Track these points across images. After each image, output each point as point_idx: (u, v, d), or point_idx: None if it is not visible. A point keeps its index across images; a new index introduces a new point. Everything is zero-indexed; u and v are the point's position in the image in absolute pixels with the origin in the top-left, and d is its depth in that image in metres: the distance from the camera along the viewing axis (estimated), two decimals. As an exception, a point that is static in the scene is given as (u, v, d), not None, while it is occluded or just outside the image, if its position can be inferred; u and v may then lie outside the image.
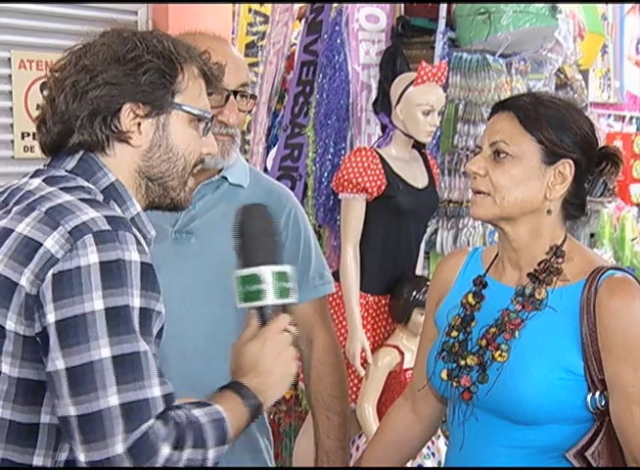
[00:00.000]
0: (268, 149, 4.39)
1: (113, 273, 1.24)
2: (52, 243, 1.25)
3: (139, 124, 1.38)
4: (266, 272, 1.43)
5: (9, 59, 3.78)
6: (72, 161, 1.38)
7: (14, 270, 1.26)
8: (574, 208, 1.67)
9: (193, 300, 1.92)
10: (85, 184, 1.35)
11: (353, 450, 3.30)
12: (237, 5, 4.67)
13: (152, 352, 1.27)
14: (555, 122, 1.60)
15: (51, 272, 1.23)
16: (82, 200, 1.30)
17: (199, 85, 1.44)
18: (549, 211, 1.63)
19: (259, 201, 1.98)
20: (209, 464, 1.31)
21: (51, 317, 1.22)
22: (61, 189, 1.32)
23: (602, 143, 1.69)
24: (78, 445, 1.22)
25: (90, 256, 1.24)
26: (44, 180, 1.36)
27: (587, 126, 1.64)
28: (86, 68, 1.36)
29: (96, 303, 1.22)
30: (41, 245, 1.25)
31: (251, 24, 4.76)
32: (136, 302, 1.26)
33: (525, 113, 1.61)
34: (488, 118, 1.69)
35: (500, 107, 1.66)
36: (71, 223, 1.26)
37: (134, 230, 1.31)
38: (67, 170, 1.37)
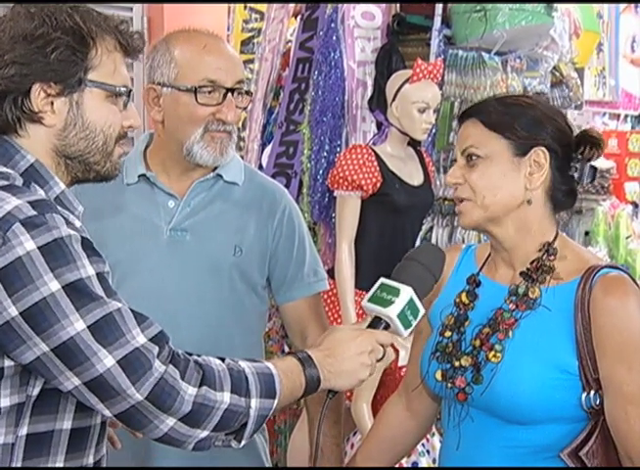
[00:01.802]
0: (263, 146, 4.38)
1: (55, 253, 1.24)
2: None
3: (52, 103, 1.35)
4: (407, 293, 1.52)
5: None
6: None
7: None
8: (562, 195, 1.66)
9: (187, 297, 1.92)
10: (3, 170, 1.32)
11: (348, 448, 3.30)
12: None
13: (123, 304, 1.29)
14: (519, 117, 1.62)
15: None
16: (1, 188, 1.28)
17: (114, 59, 1.39)
18: (529, 201, 1.63)
19: (255, 198, 2.00)
20: (253, 414, 1.35)
21: (12, 311, 1.22)
22: None
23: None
24: (98, 404, 1.27)
25: (25, 244, 1.23)
26: None
27: (557, 116, 1.65)
28: None
29: (51, 284, 1.23)
30: None
31: (246, 21, 4.75)
32: (89, 271, 1.27)
33: (487, 115, 1.63)
34: (456, 130, 1.71)
35: (465, 116, 1.68)
36: None
37: (61, 210, 1.29)
38: None
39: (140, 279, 1.92)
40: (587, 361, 1.55)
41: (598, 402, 1.56)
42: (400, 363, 3.26)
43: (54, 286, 1.23)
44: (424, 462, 3.24)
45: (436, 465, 3.05)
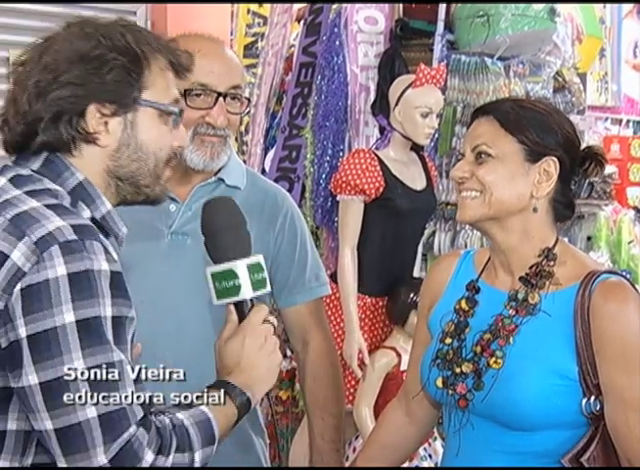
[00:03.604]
0: (266, 150, 4.39)
1: (81, 285, 1.22)
2: (18, 255, 1.22)
3: (106, 124, 1.35)
4: (241, 266, 1.41)
5: (8, 58, 3.79)
6: (38, 160, 1.35)
7: None
8: (563, 207, 1.67)
9: (188, 301, 1.92)
10: (52, 186, 1.32)
11: (350, 452, 3.30)
12: (235, 6, 4.68)
13: (127, 359, 1.26)
14: (536, 123, 1.62)
15: (19, 286, 1.21)
16: (48, 206, 1.27)
17: (166, 78, 1.40)
18: (535, 210, 1.63)
19: (256, 202, 2.00)
20: (197, 465, 1.31)
21: (22, 332, 1.20)
22: (26, 193, 1.29)
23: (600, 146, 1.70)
24: (60, 456, 1.22)
25: (58, 268, 1.21)
26: (10, 180, 1.32)
27: (569, 127, 1.66)
28: (49, 66, 1.32)
29: (66, 315, 1.20)
30: (7, 257, 1.22)
31: (249, 26, 4.76)
32: (108, 311, 1.24)
33: (505, 115, 1.63)
34: (469, 125, 1.70)
35: (480, 112, 1.68)
36: (37, 233, 1.23)
37: (102, 238, 1.28)
38: (32, 170, 1.34)
39: (141, 283, 1.92)
40: (587, 367, 1.55)
41: (598, 408, 1.56)
42: (403, 368, 3.27)
43: (68, 318, 1.21)
44: (425, 466, 3.24)
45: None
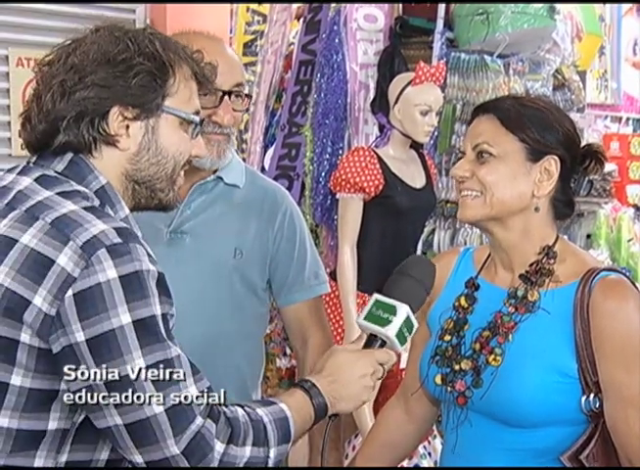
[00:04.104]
0: (266, 148, 4.39)
1: (133, 286, 1.24)
2: (65, 260, 1.23)
3: (127, 127, 1.36)
4: (404, 310, 1.50)
5: (6, 56, 3.79)
6: (62, 162, 1.36)
7: (26, 287, 1.23)
8: (563, 205, 1.67)
9: (188, 300, 1.91)
10: (81, 188, 1.33)
11: (349, 450, 3.30)
12: (235, 4, 4.68)
13: (182, 353, 1.29)
14: (536, 121, 1.61)
15: (71, 292, 1.22)
16: (85, 208, 1.28)
17: (190, 87, 1.42)
18: (537, 209, 1.63)
19: (256, 200, 2.00)
20: (271, 463, 1.35)
21: (79, 336, 1.22)
22: (58, 194, 1.30)
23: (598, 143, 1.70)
24: (132, 449, 1.25)
25: (108, 271, 1.23)
26: (36, 180, 1.33)
27: (569, 124, 1.65)
28: (75, 67, 1.33)
29: (123, 317, 1.23)
30: (54, 262, 1.23)
31: (249, 24, 4.76)
32: (158, 309, 1.27)
33: (505, 113, 1.62)
34: (469, 122, 1.70)
35: (480, 110, 1.67)
36: (82, 237, 1.24)
37: (141, 240, 1.30)
38: (57, 172, 1.35)
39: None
40: (587, 364, 1.55)
41: (598, 406, 1.56)
42: (402, 366, 3.26)
43: (125, 319, 1.23)
44: (425, 465, 3.24)
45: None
